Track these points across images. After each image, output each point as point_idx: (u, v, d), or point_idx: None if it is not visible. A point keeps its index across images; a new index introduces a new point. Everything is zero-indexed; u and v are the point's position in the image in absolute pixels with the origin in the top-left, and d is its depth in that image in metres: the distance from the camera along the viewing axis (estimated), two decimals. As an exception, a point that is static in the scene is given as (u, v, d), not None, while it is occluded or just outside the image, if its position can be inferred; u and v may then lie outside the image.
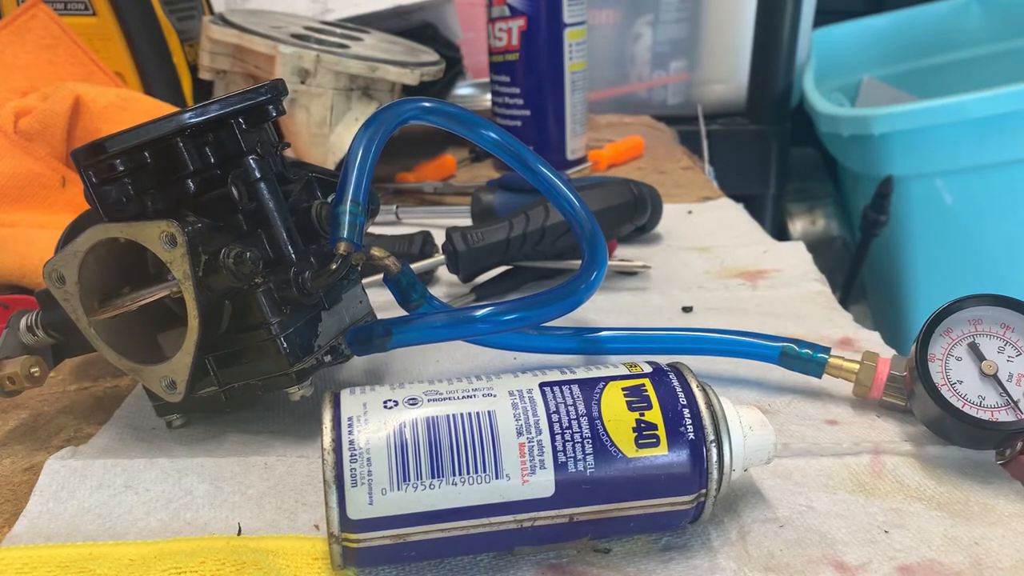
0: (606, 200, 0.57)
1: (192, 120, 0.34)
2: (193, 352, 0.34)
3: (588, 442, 0.28)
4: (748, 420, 0.31)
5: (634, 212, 0.59)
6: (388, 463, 0.27)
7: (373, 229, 0.64)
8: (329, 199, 0.39)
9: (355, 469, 0.27)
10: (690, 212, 0.71)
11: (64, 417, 0.42)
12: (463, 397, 0.29)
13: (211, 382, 0.37)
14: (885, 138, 1.12)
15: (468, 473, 0.27)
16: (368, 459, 0.27)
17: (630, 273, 0.57)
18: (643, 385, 0.29)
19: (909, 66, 1.43)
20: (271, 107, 0.37)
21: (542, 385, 0.29)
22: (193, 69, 0.79)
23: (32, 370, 0.37)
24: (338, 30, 0.82)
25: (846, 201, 1.47)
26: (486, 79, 0.89)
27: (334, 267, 0.36)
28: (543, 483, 0.27)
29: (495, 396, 0.29)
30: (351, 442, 0.27)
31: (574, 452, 0.28)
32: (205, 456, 0.37)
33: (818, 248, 1.27)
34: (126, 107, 0.62)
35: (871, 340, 0.46)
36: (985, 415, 0.33)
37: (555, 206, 0.43)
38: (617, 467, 0.28)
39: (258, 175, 0.36)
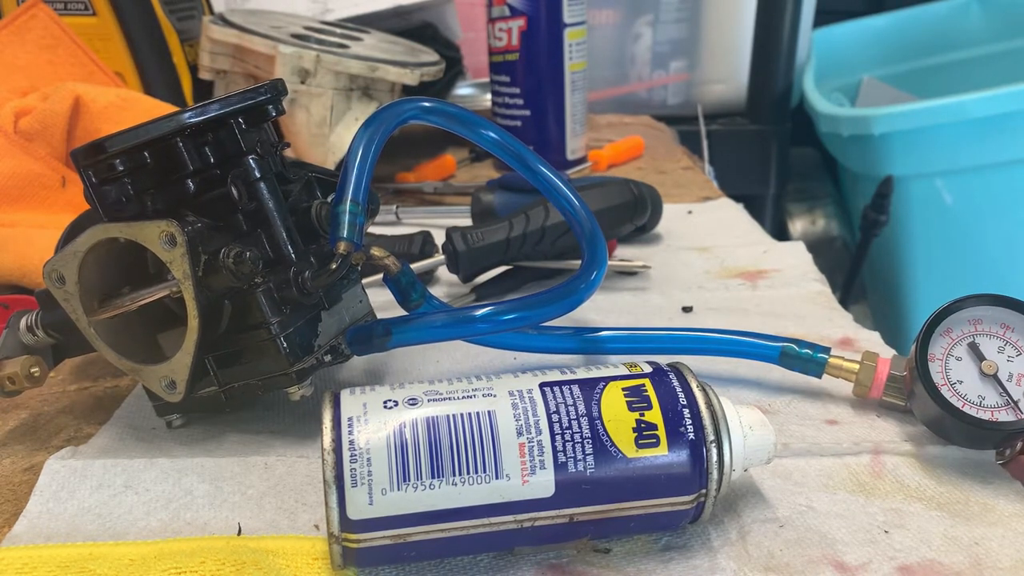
0: (606, 200, 0.57)
1: (192, 120, 0.34)
2: (193, 352, 0.34)
3: (588, 442, 0.28)
4: (748, 420, 0.31)
5: (634, 212, 0.59)
6: (388, 463, 0.27)
7: (373, 229, 0.64)
8: (329, 199, 0.39)
9: (355, 469, 0.27)
10: (690, 212, 0.71)
11: (64, 417, 0.42)
12: (463, 397, 0.29)
13: (211, 382, 0.37)
14: (885, 138, 1.12)
15: (468, 473, 0.27)
16: (368, 459, 0.27)
17: (630, 273, 0.57)
18: (643, 385, 0.29)
19: (909, 66, 1.43)
20: (271, 107, 0.37)
21: (542, 385, 0.29)
22: (193, 69, 0.79)
23: (32, 370, 0.37)
24: (338, 30, 0.82)
25: (846, 201, 1.47)
26: (486, 79, 0.89)
27: (334, 267, 0.36)
28: (543, 483, 0.27)
29: (495, 396, 0.29)
30: (351, 442, 0.27)
31: (574, 452, 0.28)
32: (205, 456, 0.37)
33: (818, 248, 1.27)
34: (126, 107, 0.62)
35: (871, 340, 0.46)
36: (985, 415, 0.33)
37: (555, 206, 0.43)
38: (617, 467, 0.28)
39: (258, 175, 0.36)
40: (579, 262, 0.45)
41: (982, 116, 1.05)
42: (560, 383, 0.30)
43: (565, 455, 0.28)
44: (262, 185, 0.36)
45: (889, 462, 0.35)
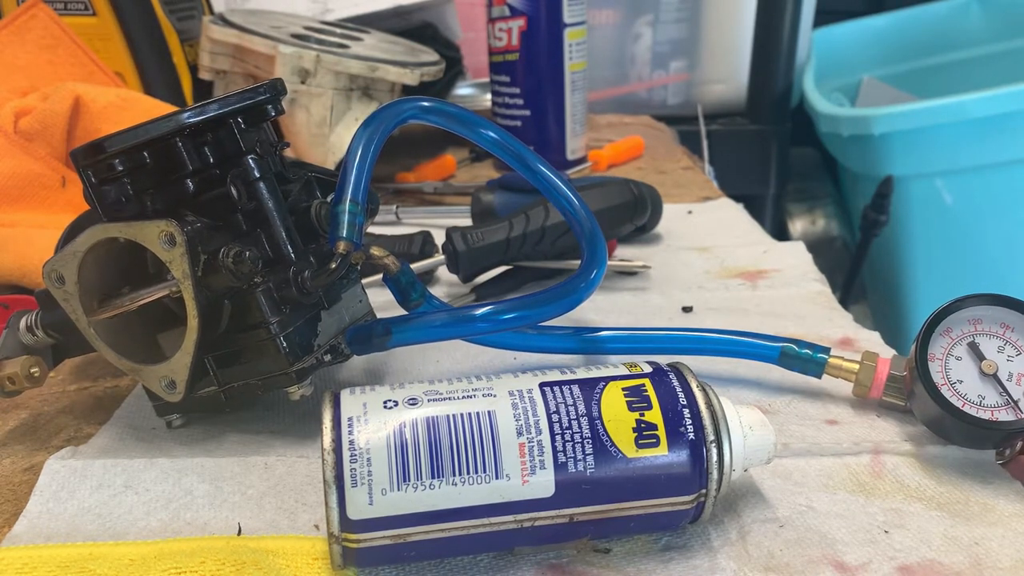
0: (606, 200, 0.57)
1: (191, 120, 0.34)
2: (193, 352, 0.34)
3: (588, 442, 0.28)
4: (748, 420, 0.31)
5: (634, 212, 0.59)
6: (388, 463, 0.27)
7: (373, 229, 0.64)
8: (328, 198, 0.39)
9: (355, 469, 0.27)
10: (690, 212, 0.71)
11: (64, 417, 0.42)
12: (463, 397, 0.29)
13: (211, 382, 0.37)
14: (885, 138, 1.12)
15: (468, 473, 0.27)
16: (368, 459, 0.27)
17: (630, 273, 0.57)
18: (643, 385, 0.29)
19: (909, 66, 1.43)
20: (270, 107, 0.37)
21: (542, 385, 0.29)
22: (193, 69, 0.79)
23: (32, 370, 0.37)
24: (338, 30, 0.82)
25: (846, 201, 1.47)
26: (486, 79, 0.89)
27: (333, 266, 0.36)
28: (543, 483, 0.27)
29: (495, 396, 0.29)
30: (351, 442, 0.27)
31: (574, 452, 0.28)
32: (205, 456, 0.37)
33: (818, 248, 1.27)
34: (126, 107, 0.62)
35: (871, 340, 0.46)
36: (985, 415, 0.33)
37: (555, 206, 0.43)
38: (617, 467, 0.28)
39: (257, 175, 0.36)
40: (579, 262, 0.45)
41: (982, 116, 1.05)
42: (560, 383, 0.30)
43: (565, 455, 0.28)
44: (261, 185, 0.36)
45: (889, 462, 0.35)
